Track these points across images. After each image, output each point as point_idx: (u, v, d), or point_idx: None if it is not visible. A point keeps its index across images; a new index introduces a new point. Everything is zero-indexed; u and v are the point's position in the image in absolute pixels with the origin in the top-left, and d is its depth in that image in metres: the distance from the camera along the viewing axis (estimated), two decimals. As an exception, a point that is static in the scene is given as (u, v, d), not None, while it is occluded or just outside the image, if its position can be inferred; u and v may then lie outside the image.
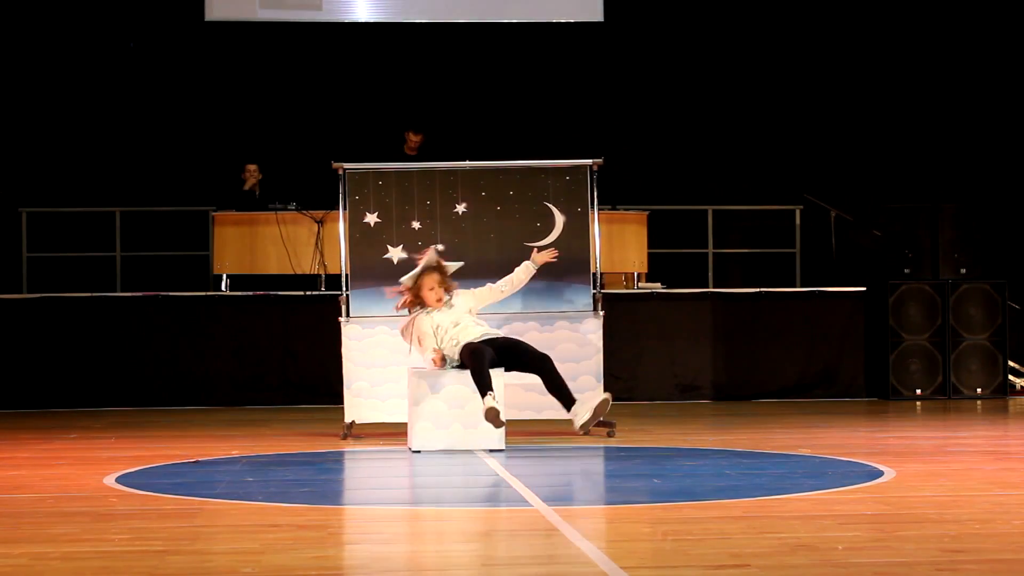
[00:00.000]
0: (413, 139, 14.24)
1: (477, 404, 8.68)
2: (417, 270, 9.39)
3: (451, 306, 9.37)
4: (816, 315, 13.76)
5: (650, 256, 14.17)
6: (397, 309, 9.49)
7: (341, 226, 10.29)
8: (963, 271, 13.76)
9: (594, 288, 10.14)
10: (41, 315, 13.22)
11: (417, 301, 9.40)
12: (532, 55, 16.30)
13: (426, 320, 9.33)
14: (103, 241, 14.69)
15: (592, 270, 10.13)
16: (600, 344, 10.02)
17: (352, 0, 16.13)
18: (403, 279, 9.45)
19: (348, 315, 10.04)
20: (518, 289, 9.62)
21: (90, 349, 13.16)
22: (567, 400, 8.93)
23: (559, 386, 8.96)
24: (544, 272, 9.69)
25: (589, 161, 10.15)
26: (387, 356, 9.95)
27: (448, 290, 9.39)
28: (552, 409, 9.48)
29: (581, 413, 8.80)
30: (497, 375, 8.82)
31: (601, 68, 16.48)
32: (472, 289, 9.59)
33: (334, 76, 16.22)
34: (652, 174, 15.97)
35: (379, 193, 10.13)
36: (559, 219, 10.08)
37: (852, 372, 13.73)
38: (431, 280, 9.34)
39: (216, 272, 13.78)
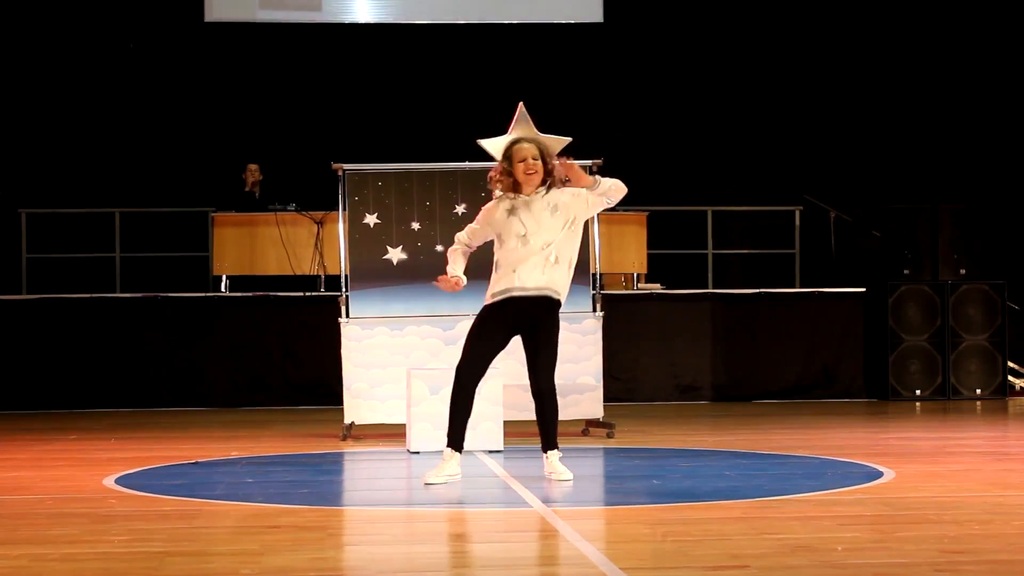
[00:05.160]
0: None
1: (477, 406, 8.13)
2: (507, 137, 7.09)
3: (545, 199, 6.86)
4: (816, 315, 13.75)
5: (650, 256, 14.17)
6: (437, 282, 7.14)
7: (341, 227, 10.29)
8: (963, 272, 13.76)
9: (593, 289, 10.14)
10: (41, 316, 13.22)
11: (507, 182, 6.97)
12: (532, 55, 16.30)
13: (499, 208, 6.96)
14: (103, 242, 14.69)
15: (592, 270, 10.13)
16: (600, 344, 10.02)
17: (352, 1, 16.13)
18: (488, 143, 7.15)
19: (348, 316, 10.03)
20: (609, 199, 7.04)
21: (90, 350, 13.16)
22: (547, 443, 7.32)
23: (546, 423, 7.29)
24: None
25: (589, 162, 10.14)
26: (386, 357, 9.95)
27: (553, 172, 6.97)
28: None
29: (555, 466, 7.25)
30: (496, 364, 7.67)
31: (601, 68, 16.47)
32: (581, 192, 6.96)
33: (334, 77, 16.22)
34: (652, 174, 15.97)
35: (379, 194, 10.13)
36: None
37: (852, 373, 13.73)
38: (528, 150, 6.96)
39: (216, 273, 13.79)
